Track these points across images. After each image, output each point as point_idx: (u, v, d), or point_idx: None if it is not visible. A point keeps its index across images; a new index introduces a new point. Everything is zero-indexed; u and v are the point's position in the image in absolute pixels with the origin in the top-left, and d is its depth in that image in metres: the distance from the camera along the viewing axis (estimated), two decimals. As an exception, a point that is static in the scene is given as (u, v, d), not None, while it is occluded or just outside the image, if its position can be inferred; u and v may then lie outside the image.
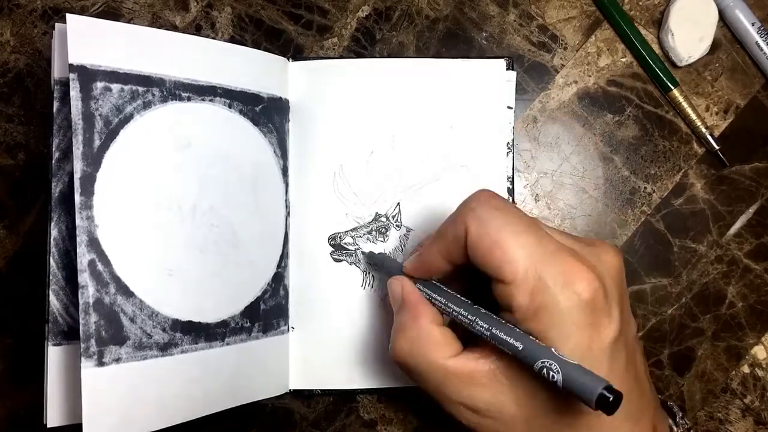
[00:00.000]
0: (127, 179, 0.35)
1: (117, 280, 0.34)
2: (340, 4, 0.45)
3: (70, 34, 0.34)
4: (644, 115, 0.45)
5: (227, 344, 0.38)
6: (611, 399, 0.27)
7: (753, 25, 0.44)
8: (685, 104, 0.44)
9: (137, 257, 0.35)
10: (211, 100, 0.38)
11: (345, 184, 0.43)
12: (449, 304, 0.34)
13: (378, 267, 0.42)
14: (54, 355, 0.35)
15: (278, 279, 0.41)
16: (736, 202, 0.45)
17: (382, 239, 0.43)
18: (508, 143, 0.43)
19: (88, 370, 0.33)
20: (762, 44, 0.44)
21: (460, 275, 0.36)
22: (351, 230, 0.43)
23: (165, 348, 0.36)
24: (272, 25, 0.44)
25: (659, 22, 0.45)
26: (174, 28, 0.44)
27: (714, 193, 0.45)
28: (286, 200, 0.42)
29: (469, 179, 0.42)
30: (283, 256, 0.42)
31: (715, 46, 0.44)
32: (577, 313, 0.31)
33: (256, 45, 0.44)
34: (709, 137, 0.44)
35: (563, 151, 0.45)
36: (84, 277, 0.33)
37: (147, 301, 0.35)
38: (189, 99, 0.38)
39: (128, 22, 0.44)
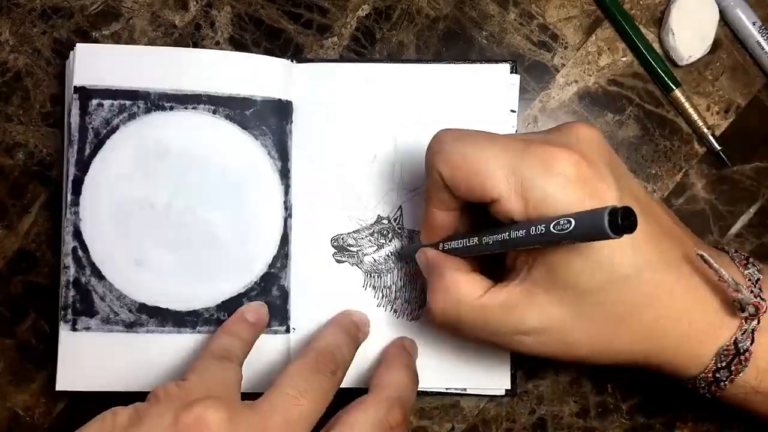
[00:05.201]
0: (109, 181, 0.41)
1: (92, 265, 0.41)
2: (340, 4, 0.44)
3: (77, 60, 0.41)
4: (645, 115, 0.45)
5: (199, 332, 0.42)
6: (620, 216, 0.26)
7: (754, 24, 0.44)
8: (687, 104, 0.44)
9: (110, 247, 0.41)
10: (194, 108, 0.42)
11: (348, 187, 0.43)
12: (464, 242, 0.35)
13: (407, 257, 0.43)
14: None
15: (270, 279, 0.42)
16: (737, 202, 0.44)
17: (384, 241, 0.43)
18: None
19: (63, 332, 0.41)
20: (763, 43, 0.44)
21: (476, 221, 0.36)
22: (353, 232, 0.43)
23: (130, 326, 0.41)
24: (272, 24, 0.44)
25: (660, 22, 0.45)
26: (173, 27, 0.44)
27: (715, 192, 0.45)
28: (285, 202, 0.42)
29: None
30: (279, 257, 0.42)
31: (715, 45, 0.44)
32: (570, 191, 0.31)
33: (256, 44, 0.44)
34: (711, 137, 0.44)
35: (564, 151, 0.45)
36: (68, 260, 0.41)
37: (116, 284, 0.41)
38: (171, 108, 0.42)
39: (127, 21, 0.44)
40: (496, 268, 0.36)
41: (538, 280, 0.32)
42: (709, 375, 0.34)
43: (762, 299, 0.33)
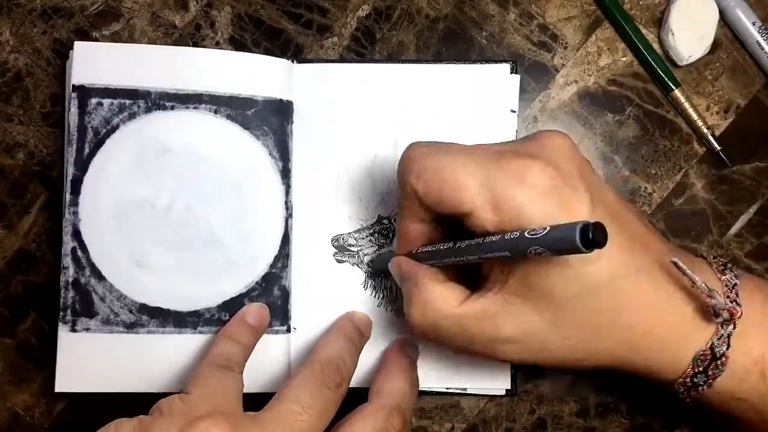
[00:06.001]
0: (108, 181, 0.41)
1: (92, 266, 0.41)
2: (340, 4, 0.44)
3: (75, 59, 0.41)
4: (645, 115, 0.45)
5: (200, 332, 0.41)
6: (592, 231, 0.27)
7: (754, 24, 0.44)
8: (686, 104, 0.44)
9: (110, 248, 0.41)
10: (195, 108, 0.41)
11: (348, 187, 0.43)
12: (441, 252, 0.35)
13: (380, 267, 0.42)
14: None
15: (271, 279, 0.42)
16: (737, 202, 0.44)
17: (384, 241, 0.43)
18: (511, 146, 0.43)
19: (63, 333, 0.41)
20: (763, 44, 0.44)
21: (450, 231, 0.36)
22: (354, 232, 0.43)
23: (131, 326, 0.41)
24: (272, 24, 0.44)
25: (660, 22, 0.45)
26: (173, 27, 0.44)
27: (714, 193, 0.45)
28: (286, 202, 0.42)
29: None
30: (280, 257, 0.42)
31: (715, 45, 0.44)
32: (543, 202, 0.31)
33: (256, 44, 0.44)
34: (711, 137, 0.44)
35: (564, 151, 0.45)
36: (67, 260, 0.41)
37: (116, 285, 0.41)
38: (172, 108, 0.42)
39: (127, 21, 0.44)
40: (469, 276, 0.36)
41: (514, 289, 0.33)
42: (687, 380, 0.34)
43: (738, 304, 0.33)
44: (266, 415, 0.33)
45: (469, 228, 0.33)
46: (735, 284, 0.34)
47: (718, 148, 0.44)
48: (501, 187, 0.31)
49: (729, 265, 0.36)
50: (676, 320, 0.33)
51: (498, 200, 0.31)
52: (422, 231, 0.36)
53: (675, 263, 0.33)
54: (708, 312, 0.33)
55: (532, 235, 0.29)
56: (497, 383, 0.43)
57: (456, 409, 0.44)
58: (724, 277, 0.35)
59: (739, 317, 0.33)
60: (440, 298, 0.35)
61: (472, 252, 0.33)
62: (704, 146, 0.44)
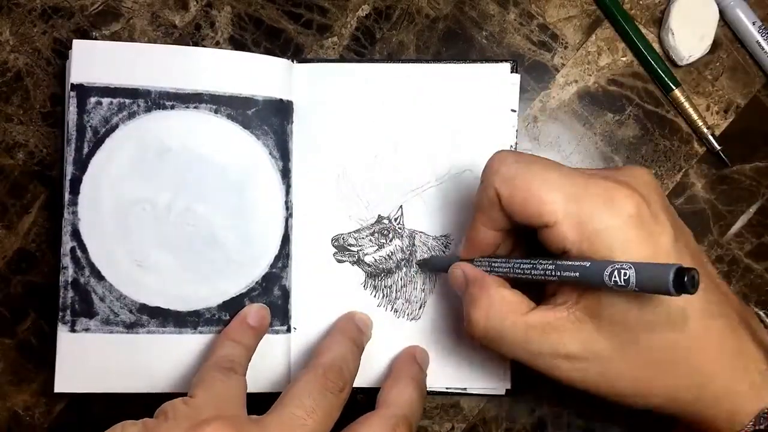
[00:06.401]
0: (108, 181, 0.41)
1: (92, 266, 0.41)
2: (340, 3, 0.44)
3: (74, 57, 0.41)
4: (645, 115, 0.45)
5: (200, 332, 0.41)
6: (687, 276, 0.27)
7: (754, 24, 0.44)
8: (686, 104, 0.44)
9: (109, 248, 0.41)
10: (195, 107, 0.41)
11: (348, 187, 0.43)
12: (511, 265, 0.34)
13: (434, 268, 0.42)
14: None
15: (272, 279, 0.42)
16: (737, 202, 0.44)
17: (384, 241, 0.43)
18: (512, 146, 0.43)
19: (62, 333, 0.40)
20: (763, 43, 0.44)
21: (515, 247, 0.36)
22: (354, 232, 0.43)
23: (131, 326, 0.41)
24: (272, 24, 0.44)
25: (660, 21, 0.45)
26: (173, 27, 0.44)
27: (714, 192, 0.45)
28: (286, 202, 0.42)
29: (472, 182, 0.42)
30: (281, 257, 0.42)
31: (715, 45, 0.44)
32: (628, 229, 0.31)
33: (256, 44, 0.44)
34: (711, 137, 0.44)
35: (564, 151, 0.45)
36: (66, 260, 0.41)
37: (115, 285, 0.41)
38: (173, 107, 0.41)
39: (127, 21, 0.44)
40: (531, 291, 0.36)
41: (587, 309, 0.32)
42: None
43: None
44: (270, 419, 0.33)
45: (546, 242, 0.33)
46: None
47: (718, 147, 0.44)
48: (588, 206, 0.31)
49: None
50: (745, 371, 0.32)
51: (583, 219, 0.31)
52: (493, 238, 0.36)
53: (758, 314, 0.32)
54: None
55: (618, 276, 0.29)
56: (497, 383, 0.43)
57: (456, 409, 0.44)
58: None
59: None
60: (507, 304, 0.34)
61: (550, 273, 0.32)
62: (704, 146, 0.44)
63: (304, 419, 0.33)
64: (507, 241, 0.37)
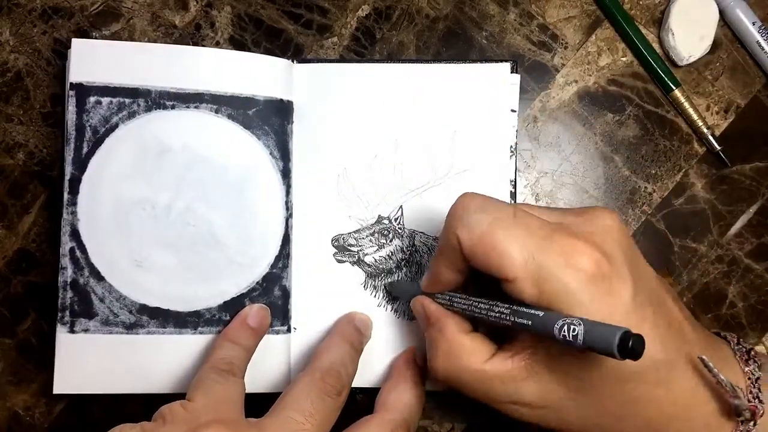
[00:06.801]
0: (108, 181, 0.41)
1: (91, 266, 0.41)
2: (340, 4, 0.44)
3: (73, 56, 0.41)
4: (645, 115, 0.45)
5: (200, 333, 0.41)
6: (631, 342, 0.27)
7: (754, 24, 0.44)
8: (686, 104, 0.44)
9: (109, 248, 0.41)
10: (196, 107, 0.41)
11: (348, 187, 0.43)
12: (470, 303, 0.35)
13: (399, 294, 0.42)
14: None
15: (272, 279, 0.42)
16: (737, 202, 0.44)
17: (384, 241, 0.43)
18: (512, 146, 0.43)
19: (61, 334, 0.40)
20: (763, 43, 0.44)
21: (478, 280, 0.36)
22: (354, 232, 0.43)
23: (130, 327, 0.41)
24: (272, 24, 0.44)
25: (660, 22, 0.45)
26: (173, 27, 0.44)
27: (714, 192, 0.45)
28: (286, 202, 0.42)
29: (472, 182, 0.42)
30: (281, 257, 0.42)
31: (715, 45, 0.44)
32: (586, 287, 0.31)
33: (256, 44, 0.44)
34: (711, 137, 0.44)
35: (563, 151, 0.45)
36: (65, 261, 0.41)
37: (115, 285, 0.41)
38: (173, 107, 0.41)
39: (127, 21, 0.44)
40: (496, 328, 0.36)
41: (543, 359, 0.33)
42: None
43: (760, 401, 0.33)
44: (268, 423, 0.33)
45: (506, 292, 0.33)
46: (758, 377, 0.34)
47: (719, 147, 0.44)
48: (548, 264, 0.31)
49: (752, 353, 0.36)
50: (699, 416, 0.33)
51: (542, 277, 0.31)
52: (456, 278, 0.36)
53: (703, 360, 0.32)
54: (730, 410, 0.33)
55: (568, 332, 0.29)
56: (497, 383, 0.43)
57: (456, 409, 0.44)
58: (747, 369, 0.34)
59: (761, 416, 0.32)
60: (466, 352, 0.34)
61: (505, 317, 0.32)
62: (704, 146, 0.44)
63: (302, 423, 0.33)
64: (471, 277, 0.36)
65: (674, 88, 0.44)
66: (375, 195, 0.43)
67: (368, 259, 0.43)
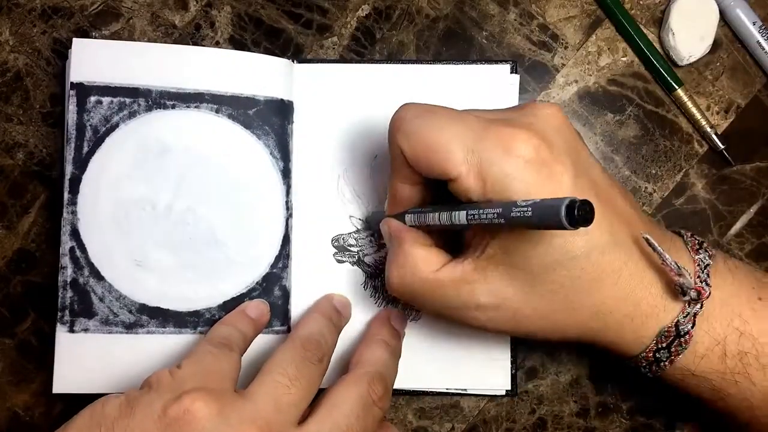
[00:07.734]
0: (108, 181, 0.41)
1: (91, 266, 0.41)
2: (340, 3, 0.44)
3: (73, 56, 0.41)
4: (645, 115, 0.45)
5: (200, 333, 0.41)
6: (577, 209, 0.27)
7: (754, 24, 0.44)
8: (689, 104, 0.44)
9: (109, 248, 0.41)
10: (196, 107, 0.41)
11: (349, 187, 0.43)
12: (436, 214, 0.35)
13: (374, 225, 0.42)
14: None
15: (272, 279, 0.42)
16: (737, 202, 0.44)
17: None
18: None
19: (61, 333, 0.40)
20: (763, 43, 0.44)
21: (441, 197, 0.37)
22: (354, 232, 0.43)
23: (130, 327, 0.41)
24: (272, 24, 0.44)
25: (660, 21, 0.45)
26: (173, 27, 0.44)
27: (715, 192, 0.45)
28: (286, 202, 0.42)
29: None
30: (281, 257, 0.42)
31: (716, 45, 0.44)
32: (527, 173, 0.31)
33: (256, 44, 0.44)
34: (714, 136, 0.44)
35: (564, 151, 0.45)
36: (65, 260, 0.41)
37: (115, 285, 0.41)
38: (173, 107, 0.41)
39: (127, 21, 0.44)
40: (456, 244, 0.37)
41: (493, 257, 0.33)
42: (650, 355, 0.34)
43: (707, 284, 0.34)
44: (255, 389, 0.33)
45: (455, 193, 0.33)
46: (707, 264, 0.35)
47: (722, 146, 0.44)
48: (487, 155, 0.32)
49: (704, 245, 0.36)
50: (646, 296, 0.34)
51: (483, 168, 0.32)
52: (412, 193, 0.37)
53: (647, 239, 0.33)
54: (676, 290, 0.33)
55: (517, 207, 0.29)
56: (497, 383, 0.43)
57: (456, 409, 0.44)
58: (697, 257, 0.35)
59: (707, 297, 0.33)
60: (420, 261, 0.35)
61: (456, 218, 0.33)
62: (706, 146, 0.44)
63: (288, 387, 0.33)
64: (431, 191, 0.37)
65: (677, 87, 0.44)
66: (375, 195, 0.43)
67: (368, 260, 0.43)
